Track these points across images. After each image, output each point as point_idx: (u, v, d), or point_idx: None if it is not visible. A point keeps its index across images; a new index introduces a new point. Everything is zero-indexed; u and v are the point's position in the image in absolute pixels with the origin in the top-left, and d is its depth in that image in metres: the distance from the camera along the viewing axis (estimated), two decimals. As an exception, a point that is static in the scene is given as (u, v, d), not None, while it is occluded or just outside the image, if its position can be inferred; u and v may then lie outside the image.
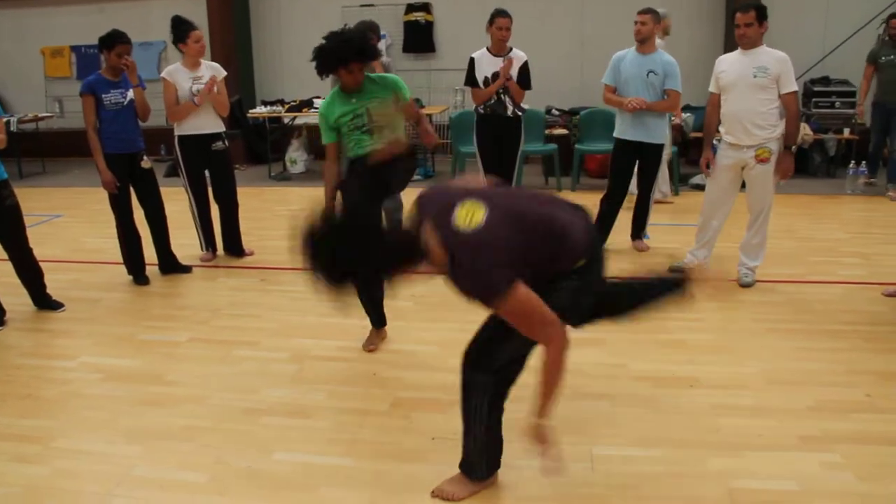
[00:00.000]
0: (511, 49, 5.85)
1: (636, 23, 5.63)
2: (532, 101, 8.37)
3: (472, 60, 5.89)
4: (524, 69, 5.84)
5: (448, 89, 10.56)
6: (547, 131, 9.22)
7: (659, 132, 5.79)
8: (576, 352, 4.00)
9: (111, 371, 3.98)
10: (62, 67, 12.03)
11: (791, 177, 5.02)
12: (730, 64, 5.00)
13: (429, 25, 11.02)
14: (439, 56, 11.03)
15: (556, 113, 9.83)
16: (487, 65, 5.79)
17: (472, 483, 2.85)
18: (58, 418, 3.49)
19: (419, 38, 11.01)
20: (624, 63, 5.75)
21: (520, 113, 5.89)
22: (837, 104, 9.26)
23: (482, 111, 5.90)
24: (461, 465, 2.86)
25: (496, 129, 5.88)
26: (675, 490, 2.81)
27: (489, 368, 2.67)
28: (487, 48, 5.87)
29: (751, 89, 4.84)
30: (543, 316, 2.37)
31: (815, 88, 9.34)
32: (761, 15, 4.82)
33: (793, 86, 4.85)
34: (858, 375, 3.72)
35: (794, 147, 4.91)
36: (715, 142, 5.24)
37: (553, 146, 8.83)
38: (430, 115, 10.00)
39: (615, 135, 5.90)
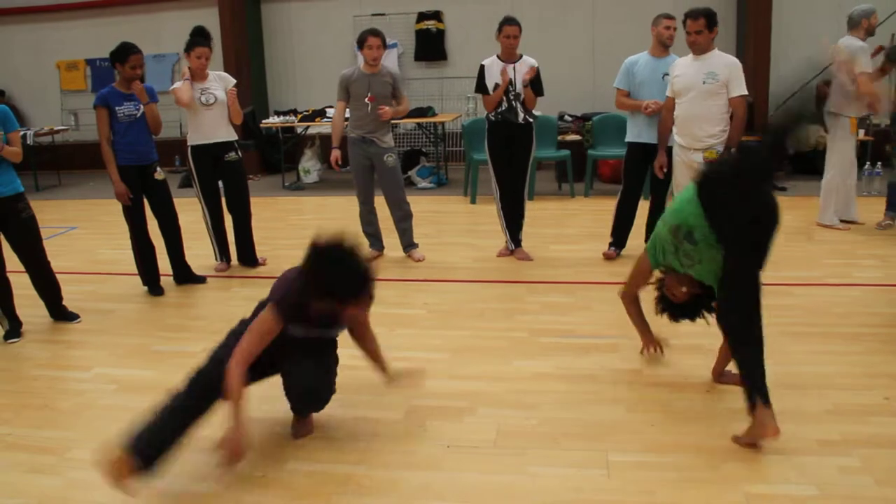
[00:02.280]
0: (521, 56, 5.84)
1: (669, 27, 5.68)
2: (544, 108, 8.38)
3: (482, 67, 5.89)
4: (536, 75, 5.83)
5: (460, 97, 10.59)
6: (559, 137, 9.22)
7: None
8: (591, 358, 4.04)
9: (126, 382, 3.99)
10: (77, 81, 12.17)
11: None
12: (683, 69, 5.15)
13: (440, 33, 11.06)
14: (451, 64, 11.07)
15: (569, 119, 9.83)
16: (497, 72, 5.79)
17: None
18: (73, 429, 3.50)
19: (431, 47, 11.06)
20: (638, 67, 5.77)
21: (531, 120, 5.89)
22: (852, 106, 9.18)
23: (493, 118, 5.89)
24: None
25: (508, 136, 5.87)
26: (692, 496, 2.78)
27: None
28: (498, 55, 5.87)
29: (701, 95, 5.02)
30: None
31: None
32: (711, 21, 4.97)
33: (742, 90, 4.99)
34: (877, 378, 3.68)
35: (733, 150, 5.00)
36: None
37: (566, 152, 8.82)
38: (442, 123, 10.03)
39: (628, 139, 5.91)
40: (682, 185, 5.30)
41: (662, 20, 5.70)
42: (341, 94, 5.90)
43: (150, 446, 2.85)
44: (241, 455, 2.86)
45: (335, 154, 5.93)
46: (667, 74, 5.65)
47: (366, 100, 5.79)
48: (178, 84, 5.72)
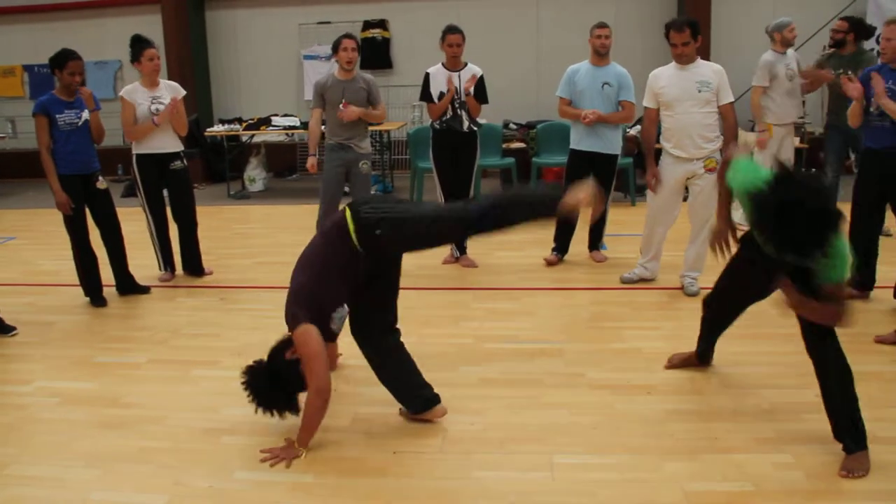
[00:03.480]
0: (466, 64, 5.91)
1: (601, 36, 5.77)
2: (489, 116, 8.47)
3: (427, 76, 5.95)
4: (480, 83, 5.91)
5: (406, 105, 10.63)
6: (504, 145, 9.32)
7: (613, 143, 5.89)
8: (535, 363, 4.10)
9: (68, 395, 3.92)
10: (14, 87, 11.89)
11: None
12: (669, 79, 5.06)
13: (385, 42, 11.09)
14: (397, 72, 11.10)
15: (514, 127, 9.94)
16: (442, 80, 5.84)
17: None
18: (12, 445, 3.43)
19: (376, 55, 11.07)
20: (579, 75, 5.85)
21: (475, 128, 5.95)
22: (786, 114, 9.47)
23: (438, 126, 5.94)
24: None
25: (452, 145, 5.93)
26: (632, 495, 2.86)
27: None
28: (443, 63, 5.93)
29: (697, 104, 4.96)
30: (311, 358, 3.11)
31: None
32: (695, 31, 4.93)
33: (730, 97, 5.02)
34: (809, 377, 3.73)
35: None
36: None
37: (510, 160, 8.92)
38: (388, 131, 10.05)
39: (571, 146, 5.99)
40: (661, 197, 5.23)
41: (595, 30, 5.82)
42: (317, 101, 5.85)
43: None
44: None
45: (312, 161, 5.86)
46: (607, 83, 5.76)
47: (340, 106, 5.75)
48: (125, 95, 5.61)
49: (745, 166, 3.20)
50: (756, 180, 2.86)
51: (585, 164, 5.88)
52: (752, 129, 9.35)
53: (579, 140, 5.88)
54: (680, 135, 5.03)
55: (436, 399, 3.49)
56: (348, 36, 5.79)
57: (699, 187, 5.10)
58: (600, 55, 5.81)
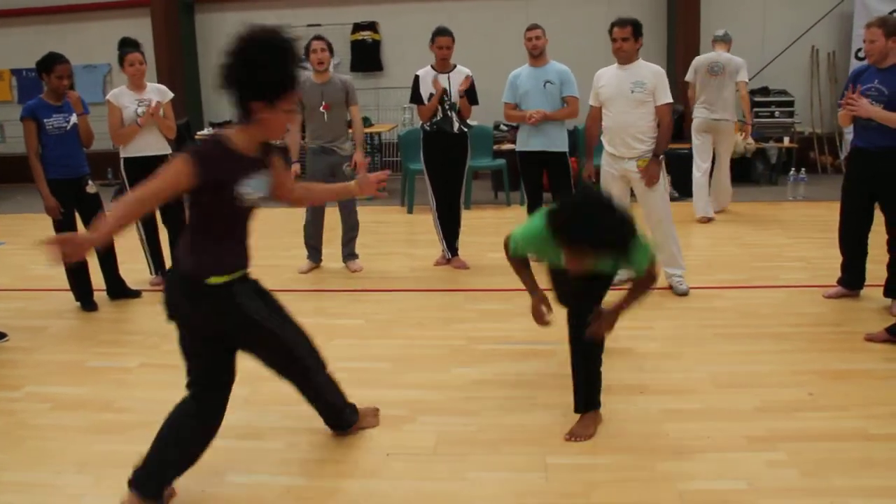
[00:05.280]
0: (455, 66, 5.91)
1: (531, 38, 5.82)
2: (480, 117, 8.47)
3: (416, 78, 5.95)
4: (470, 85, 5.91)
5: (396, 107, 10.63)
6: (495, 146, 9.32)
7: (560, 140, 5.91)
8: (528, 364, 4.10)
9: (59, 400, 3.90)
10: (2, 91, 11.86)
11: (654, 183, 5.13)
12: (608, 79, 5.19)
13: (376, 44, 11.10)
14: (387, 74, 11.11)
15: (504, 128, 9.93)
16: (431, 82, 5.84)
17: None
18: (3, 451, 3.40)
19: (366, 57, 11.08)
20: (521, 79, 5.89)
21: (465, 129, 5.96)
22: (777, 114, 9.54)
23: (428, 128, 5.95)
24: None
25: (443, 146, 5.93)
26: (626, 495, 2.86)
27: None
28: (432, 66, 5.93)
29: (629, 104, 5.06)
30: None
31: (756, 99, 9.59)
32: (637, 30, 5.04)
33: (667, 98, 5.07)
34: (801, 375, 3.82)
35: (661, 156, 5.11)
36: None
37: (502, 161, 8.92)
38: (378, 134, 10.04)
39: (517, 148, 6.02)
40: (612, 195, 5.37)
41: (526, 32, 5.89)
42: None
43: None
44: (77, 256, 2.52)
45: (295, 168, 5.87)
46: (548, 82, 5.79)
47: (321, 109, 5.75)
48: (111, 98, 5.59)
49: (518, 231, 3.43)
50: (533, 221, 3.29)
51: (536, 165, 5.89)
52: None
53: (526, 141, 5.89)
54: (613, 133, 5.17)
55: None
56: (317, 38, 5.81)
57: (640, 188, 5.19)
58: (534, 56, 5.85)
